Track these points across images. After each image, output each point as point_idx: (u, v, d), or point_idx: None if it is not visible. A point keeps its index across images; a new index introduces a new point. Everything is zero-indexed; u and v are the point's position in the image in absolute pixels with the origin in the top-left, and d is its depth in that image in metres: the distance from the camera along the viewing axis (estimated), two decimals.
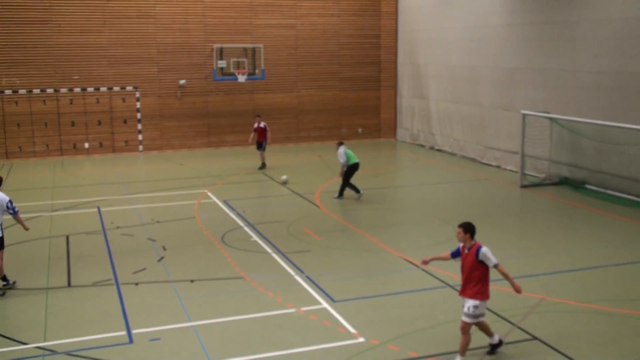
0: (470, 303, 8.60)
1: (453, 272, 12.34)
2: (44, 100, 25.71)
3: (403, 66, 29.54)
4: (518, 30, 21.85)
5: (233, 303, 10.96)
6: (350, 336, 9.64)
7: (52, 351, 9.28)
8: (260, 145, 22.89)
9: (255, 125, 22.96)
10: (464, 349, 8.68)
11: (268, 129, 22.89)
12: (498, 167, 23.01)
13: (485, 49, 23.57)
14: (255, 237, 14.75)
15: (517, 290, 8.76)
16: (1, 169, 23.48)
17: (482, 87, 23.91)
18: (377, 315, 10.42)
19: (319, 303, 10.91)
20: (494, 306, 10.59)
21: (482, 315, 8.70)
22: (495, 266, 8.61)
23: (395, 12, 29.60)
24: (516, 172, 20.96)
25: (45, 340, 9.59)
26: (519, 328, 9.85)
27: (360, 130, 29.97)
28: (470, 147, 24.61)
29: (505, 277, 8.67)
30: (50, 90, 25.73)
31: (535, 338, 9.52)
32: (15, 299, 11.27)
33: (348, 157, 18.12)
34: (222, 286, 11.79)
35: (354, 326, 9.94)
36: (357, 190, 18.37)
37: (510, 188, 19.92)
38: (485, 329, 8.90)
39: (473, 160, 24.25)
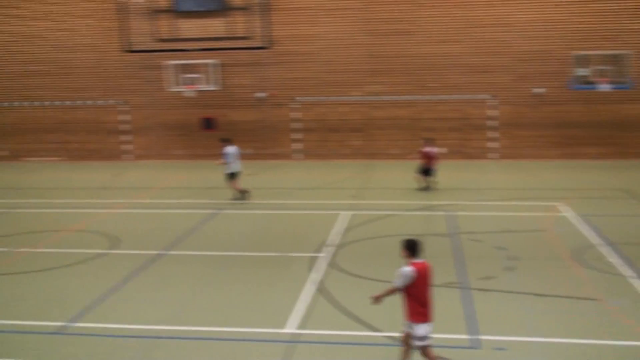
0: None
1: None
2: (404, 107, 27.44)
3: None
4: None
5: (584, 325, 10.20)
6: None
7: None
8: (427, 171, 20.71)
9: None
10: None
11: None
12: None
13: None
14: (610, 258, 13.57)
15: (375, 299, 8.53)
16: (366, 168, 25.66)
17: None
18: None
19: None
20: None
21: (420, 338, 8.26)
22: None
23: None
24: None
25: (393, 331, 10.03)
26: None
27: None
28: None
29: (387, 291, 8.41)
30: (409, 97, 27.32)
31: None
32: (368, 291, 12.04)
33: None
34: (572, 305, 11.05)
35: None
36: None
37: None
38: (404, 354, 8.60)
39: None
